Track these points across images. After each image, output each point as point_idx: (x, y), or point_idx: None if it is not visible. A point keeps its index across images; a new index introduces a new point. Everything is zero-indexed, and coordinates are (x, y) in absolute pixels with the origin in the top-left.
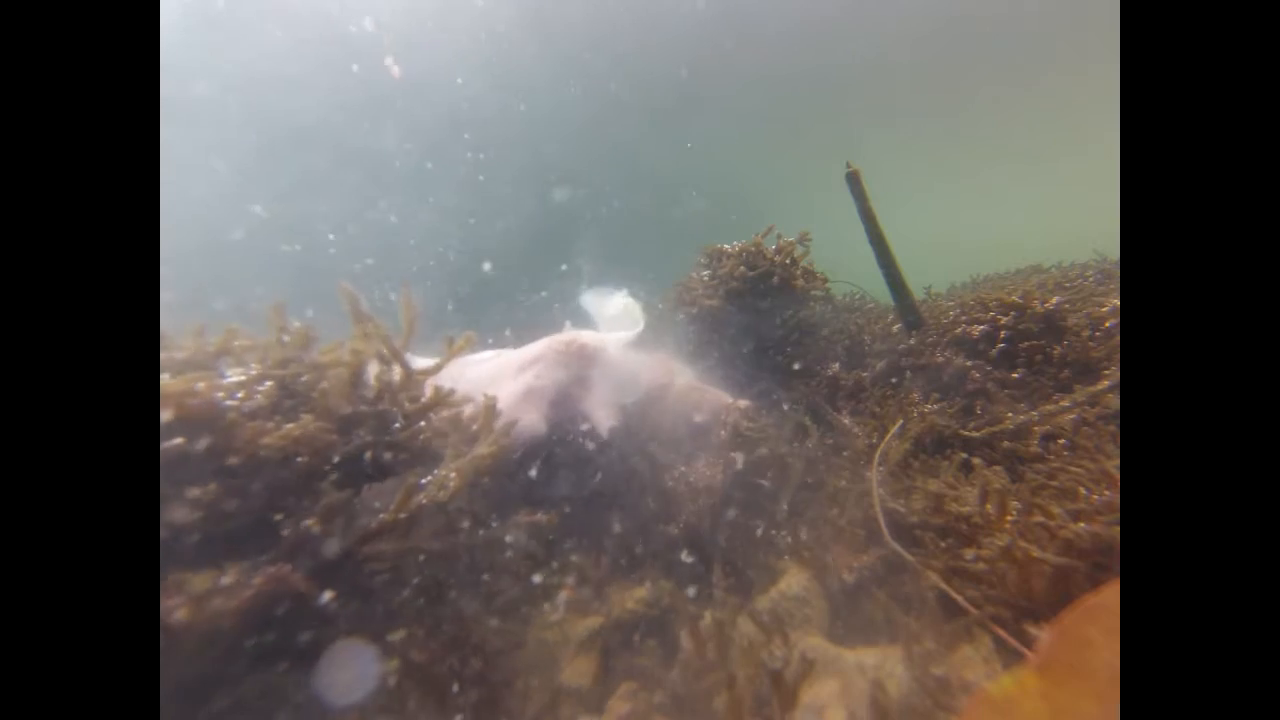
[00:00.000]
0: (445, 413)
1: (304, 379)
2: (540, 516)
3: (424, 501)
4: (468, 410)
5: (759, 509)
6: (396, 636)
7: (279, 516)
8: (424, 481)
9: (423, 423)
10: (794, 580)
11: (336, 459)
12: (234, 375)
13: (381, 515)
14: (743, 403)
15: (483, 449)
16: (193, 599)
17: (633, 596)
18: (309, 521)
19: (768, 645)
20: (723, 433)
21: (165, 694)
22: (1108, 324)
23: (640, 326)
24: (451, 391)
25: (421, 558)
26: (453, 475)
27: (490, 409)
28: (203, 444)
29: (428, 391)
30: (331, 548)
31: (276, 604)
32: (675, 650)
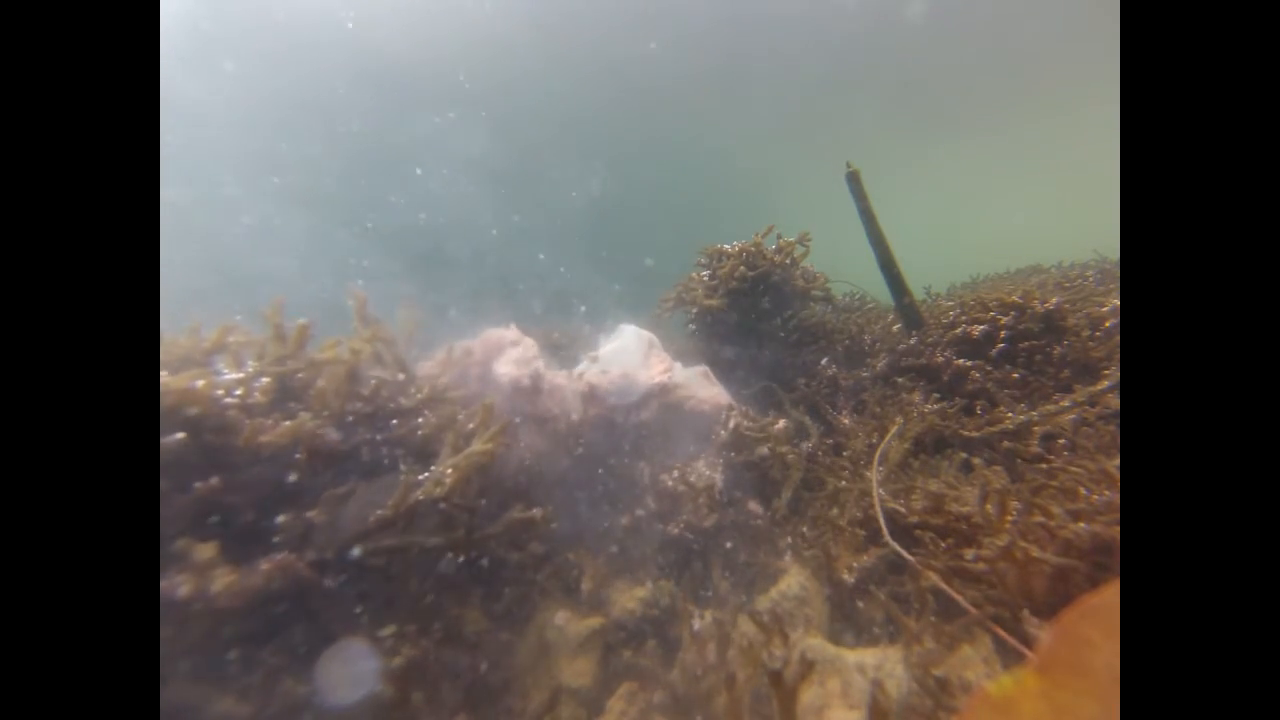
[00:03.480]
0: (442, 408)
1: (300, 375)
2: (535, 513)
3: (421, 498)
4: (463, 414)
5: (759, 509)
6: (389, 631)
7: (282, 509)
8: (421, 478)
9: (419, 419)
10: (794, 580)
11: (335, 453)
12: (231, 373)
13: (380, 511)
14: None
15: (479, 445)
16: (196, 572)
17: (633, 596)
18: (311, 513)
19: (768, 645)
20: (723, 432)
21: (179, 676)
22: (1108, 324)
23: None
24: (446, 390)
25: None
26: (449, 472)
27: (488, 409)
28: (205, 440)
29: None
30: (333, 539)
31: (283, 590)
32: (675, 650)
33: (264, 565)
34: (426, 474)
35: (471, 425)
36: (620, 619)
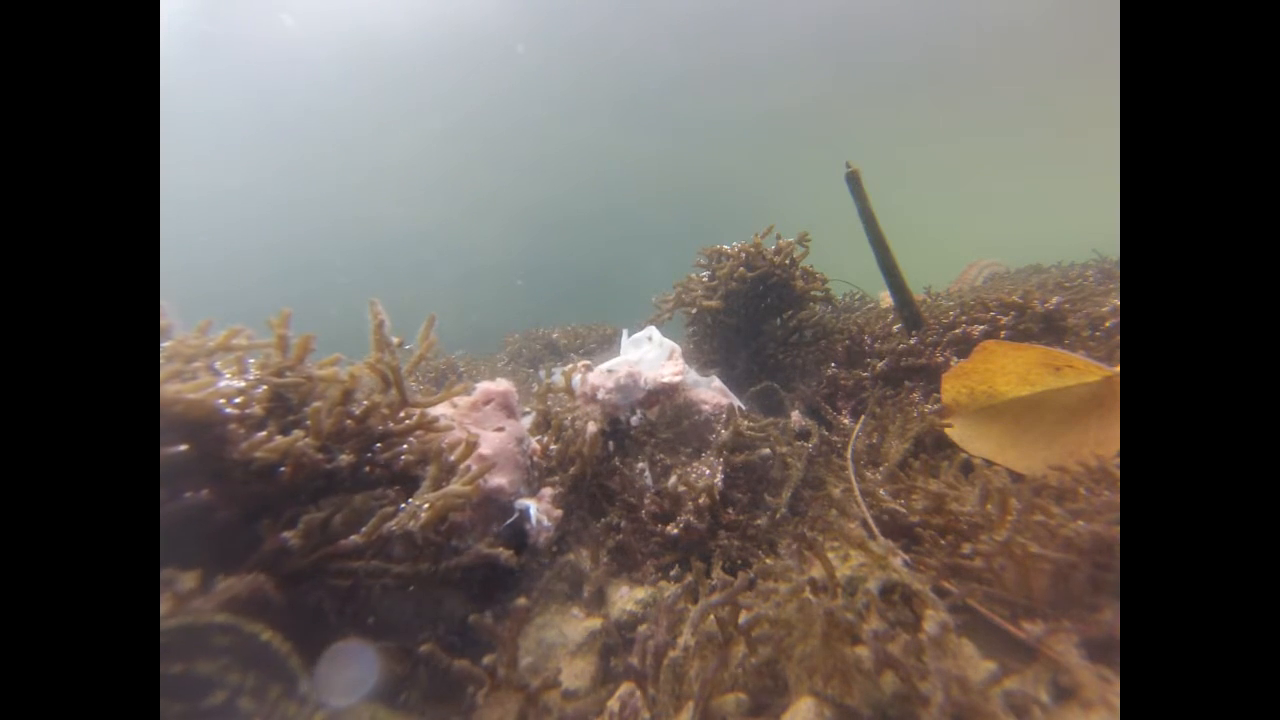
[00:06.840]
0: (428, 438)
1: (298, 389)
2: (499, 552)
3: (394, 529)
4: (448, 440)
5: (759, 509)
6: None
7: (262, 524)
8: (400, 508)
9: (405, 446)
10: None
11: (320, 472)
12: (232, 380)
13: (353, 536)
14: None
15: (457, 486)
16: (179, 596)
17: (633, 597)
18: (289, 534)
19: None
20: (723, 432)
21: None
22: (1108, 324)
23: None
24: (436, 419)
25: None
26: (425, 507)
27: (470, 446)
28: (200, 449)
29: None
30: (304, 561)
31: (250, 609)
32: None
33: (238, 585)
34: (404, 505)
35: (453, 457)
36: (620, 619)
